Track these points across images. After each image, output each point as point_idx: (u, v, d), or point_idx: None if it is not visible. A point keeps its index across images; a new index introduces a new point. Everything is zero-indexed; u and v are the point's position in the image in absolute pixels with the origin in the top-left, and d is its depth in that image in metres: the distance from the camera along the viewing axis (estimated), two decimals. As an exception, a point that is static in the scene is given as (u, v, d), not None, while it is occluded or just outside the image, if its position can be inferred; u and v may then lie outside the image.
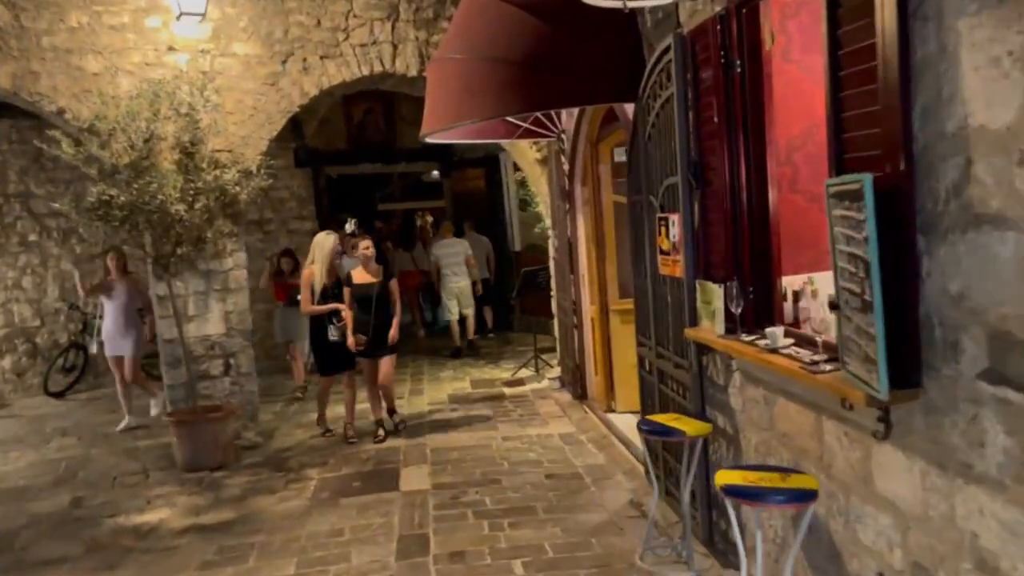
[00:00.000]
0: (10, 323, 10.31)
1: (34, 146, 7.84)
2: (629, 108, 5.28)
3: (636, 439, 5.87)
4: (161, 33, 6.91)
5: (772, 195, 3.69)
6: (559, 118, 7.34)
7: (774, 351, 3.28)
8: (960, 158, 2.25)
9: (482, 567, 4.46)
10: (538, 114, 6.94)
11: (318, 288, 7.11)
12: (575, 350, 7.85)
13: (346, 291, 6.96)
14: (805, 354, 3.13)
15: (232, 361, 7.22)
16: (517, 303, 11.56)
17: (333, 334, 7.03)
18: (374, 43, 7.54)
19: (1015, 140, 2.04)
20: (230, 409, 6.92)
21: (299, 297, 7.38)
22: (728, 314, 3.74)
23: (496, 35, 5.06)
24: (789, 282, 3.68)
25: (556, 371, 8.99)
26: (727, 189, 3.77)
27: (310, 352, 8.02)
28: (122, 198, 6.17)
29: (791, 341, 3.35)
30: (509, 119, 6.78)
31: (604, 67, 5.05)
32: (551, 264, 8.93)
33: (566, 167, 7.52)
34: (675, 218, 4.31)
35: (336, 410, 7.50)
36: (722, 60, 3.71)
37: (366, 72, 7.53)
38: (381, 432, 7.07)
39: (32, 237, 10.36)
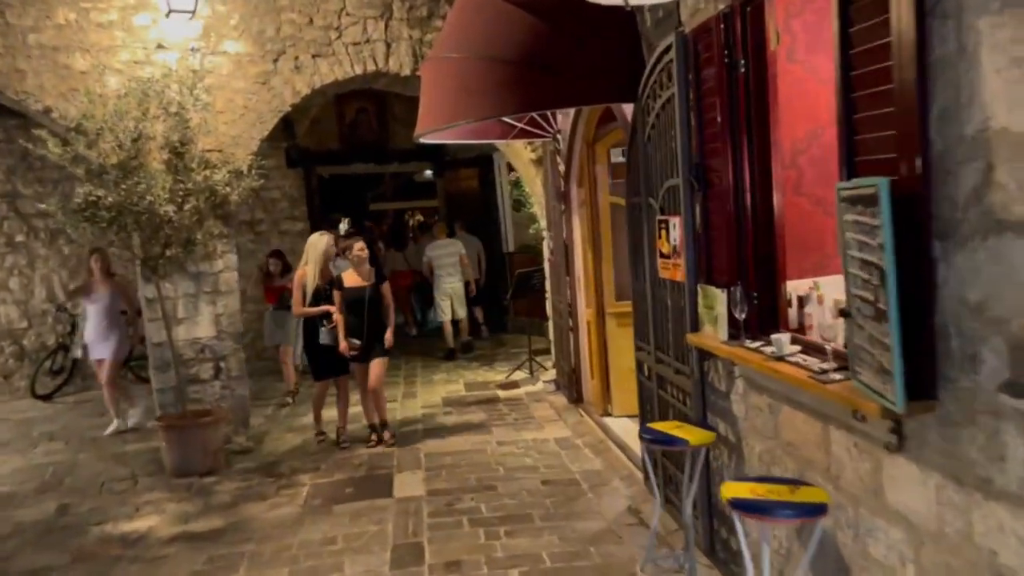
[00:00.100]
0: (-3, 325, 10.17)
1: (21, 145, 7.69)
2: (628, 108, 5.20)
3: (633, 443, 5.80)
4: (150, 31, 6.79)
5: (776, 198, 3.61)
6: (555, 118, 7.25)
7: (780, 359, 3.20)
8: (980, 162, 2.17)
9: (479, 577, 4.37)
10: (534, 114, 6.85)
11: (310, 290, 6.97)
12: (571, 353, 7.76)
13: (336, 295, 6.80)
14: (813, 362, 3.05)
15: (222, 364, 7.10)
16: (511, 305, 11.48)
17: (324, 337, 6.90)
18: (367, 42, 7.44)
19: (1040, 144, 1.97)
20: (220, 413, 6.81)
21: (291, 300, 7.25)
22: (732, 319, 3.66)
23: (493, 34, 4.97)
24: (794, 287, 3.61)
25: (551, 373, 8.90)
26: (730, 191, 3.68)
27: (303, 355, 7.90)
28: (110, 199, 6.05)
29: (797, 348, 3.27)
30: (505, 119, 6.69)
31: (603, 67, 4.97)
32: (546, 266, 8.84)
33: (562, 168, 7.42)
34: (676, 221, 4.22)
35: (329, 414, 7.38)
36: (725, 60, 3.63)
37: (359, 71, 7.43)
38: (374, 437, 6.96)
39: (19, 238, 10.22)
